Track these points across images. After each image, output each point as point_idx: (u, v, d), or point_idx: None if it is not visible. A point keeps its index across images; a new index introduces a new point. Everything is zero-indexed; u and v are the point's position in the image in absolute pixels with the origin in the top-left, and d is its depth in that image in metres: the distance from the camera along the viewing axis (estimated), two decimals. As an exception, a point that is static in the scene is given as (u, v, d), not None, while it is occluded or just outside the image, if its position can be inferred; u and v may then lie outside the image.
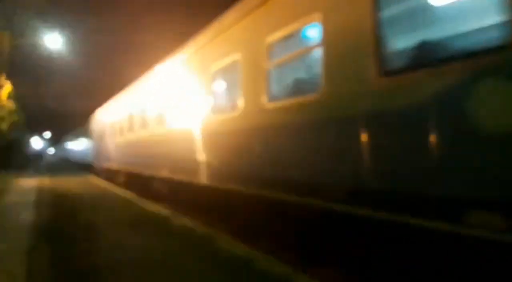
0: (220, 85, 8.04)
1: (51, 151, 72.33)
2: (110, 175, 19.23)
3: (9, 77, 20.52)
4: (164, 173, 10.26)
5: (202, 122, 8.00)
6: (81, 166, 31.73)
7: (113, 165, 17.94)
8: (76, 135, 38.66)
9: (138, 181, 13.51)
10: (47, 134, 79.91)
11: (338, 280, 4.83)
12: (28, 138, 50.28)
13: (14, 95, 22.42)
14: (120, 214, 8.95)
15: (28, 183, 17.65)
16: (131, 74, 15.90)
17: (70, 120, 55.71)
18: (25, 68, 27.65)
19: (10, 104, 22.18)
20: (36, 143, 67.52)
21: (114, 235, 6.76)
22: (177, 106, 9.44)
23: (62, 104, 50.45)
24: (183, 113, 9.01)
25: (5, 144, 25.88)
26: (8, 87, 20.95)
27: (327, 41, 4.67)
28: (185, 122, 8.85)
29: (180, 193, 9.76)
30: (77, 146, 38.26)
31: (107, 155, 19.45)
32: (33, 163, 30.91)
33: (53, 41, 21.36)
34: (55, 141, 79.35)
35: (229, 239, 6.28)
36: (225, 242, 6.04)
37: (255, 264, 4.87)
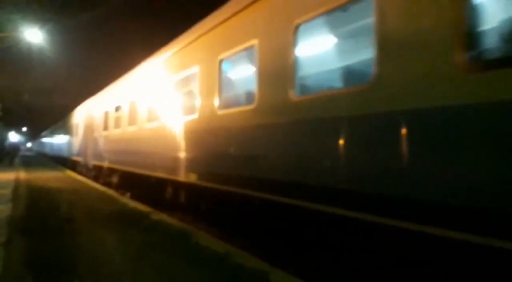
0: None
1: (28, 145, 70.92)
2: (89, 170, 18.99)
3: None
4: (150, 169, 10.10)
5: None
6: (58, 161, 31.34)
7: (95, 162, 17.66)
8: (53, 131, 38.07)
9: (129, 180, 13.10)
10: (24, 129, 78.35)
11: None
12: (5, 133, 49.23)
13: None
14: (98, 209, 8.87)
15: (4, 177, 17.30)
16: (111, 73, 15.79)
17: (47, 116, 54.79)
18: (3, 62, 27.01)
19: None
20: (13, 137, 66.16)
21: (92, 229, 6.74)
22: (165, 103, 9.22)
23: (40, 100, 49.39)
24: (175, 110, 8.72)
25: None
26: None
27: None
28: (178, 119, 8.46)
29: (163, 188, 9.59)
30: (54, 140, 37.69)
31: (88, 150, 19.14)
32: (9, 156, 30.41)
33: (33, 36, 20.80)
34: (32, 136, 77.88)
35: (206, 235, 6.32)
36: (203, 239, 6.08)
37: (231, 259, 4.93)
